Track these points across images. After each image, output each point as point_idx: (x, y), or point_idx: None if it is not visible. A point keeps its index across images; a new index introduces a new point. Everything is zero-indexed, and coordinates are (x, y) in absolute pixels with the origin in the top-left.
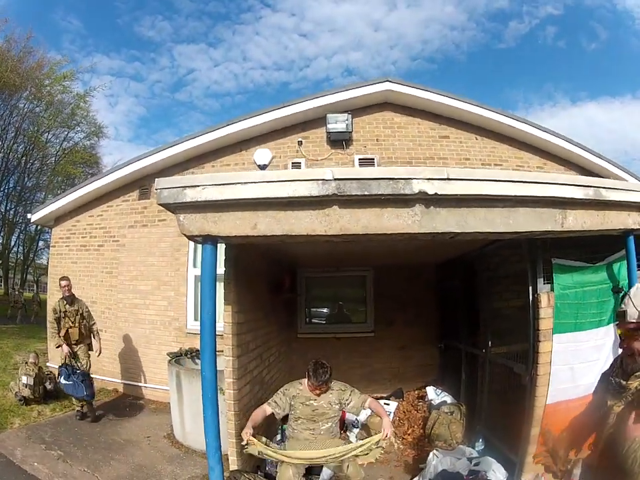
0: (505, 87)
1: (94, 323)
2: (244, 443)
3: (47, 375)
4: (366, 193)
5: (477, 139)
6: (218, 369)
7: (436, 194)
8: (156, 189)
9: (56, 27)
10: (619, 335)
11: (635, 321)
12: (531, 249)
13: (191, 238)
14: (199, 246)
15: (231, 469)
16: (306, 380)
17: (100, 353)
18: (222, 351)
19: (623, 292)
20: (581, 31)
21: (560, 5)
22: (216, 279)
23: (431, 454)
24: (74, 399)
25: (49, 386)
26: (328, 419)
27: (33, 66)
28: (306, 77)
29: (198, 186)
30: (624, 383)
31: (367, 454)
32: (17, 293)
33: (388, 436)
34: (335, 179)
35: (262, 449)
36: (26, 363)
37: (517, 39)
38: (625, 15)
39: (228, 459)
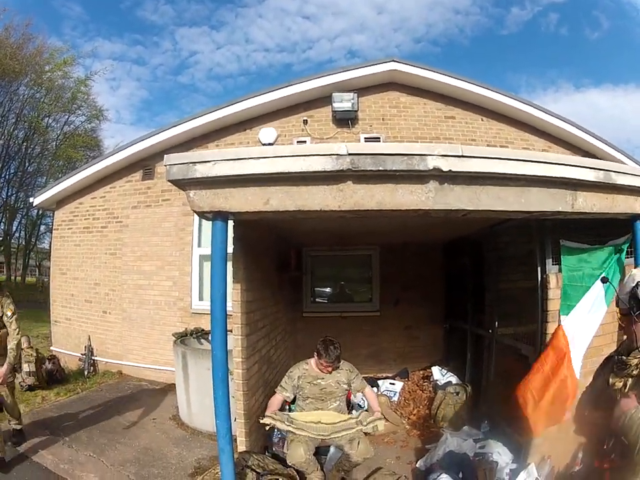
0: (507, 72)
1: (15, 330)
2: (263, 421)
3: (47, 357)
4: (380, 168)
5: (482, 120)
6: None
7: (450, 171)
8: (165, 165)
9: (56, 14)
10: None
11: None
12: (540, 229)
13: (201, 214)
14: (204, 225)
15: (239, 450)
16: (313, 359)
17: (3, 382)
18: (230, 331)
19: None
20: (584, 19)
21: None
22: (227, 256)
23: (444, 435)
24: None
25: (49, 366)
26: (336, 398)
27: (33, 52)
28: (309, 59)
29: (209, 161)
30: (624, 358)
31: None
32: (45, 279)
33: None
34: (350, 154)
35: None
36: (22, 349)
37: (520, 25)
38: (629, 6)
39: (236, 440)
